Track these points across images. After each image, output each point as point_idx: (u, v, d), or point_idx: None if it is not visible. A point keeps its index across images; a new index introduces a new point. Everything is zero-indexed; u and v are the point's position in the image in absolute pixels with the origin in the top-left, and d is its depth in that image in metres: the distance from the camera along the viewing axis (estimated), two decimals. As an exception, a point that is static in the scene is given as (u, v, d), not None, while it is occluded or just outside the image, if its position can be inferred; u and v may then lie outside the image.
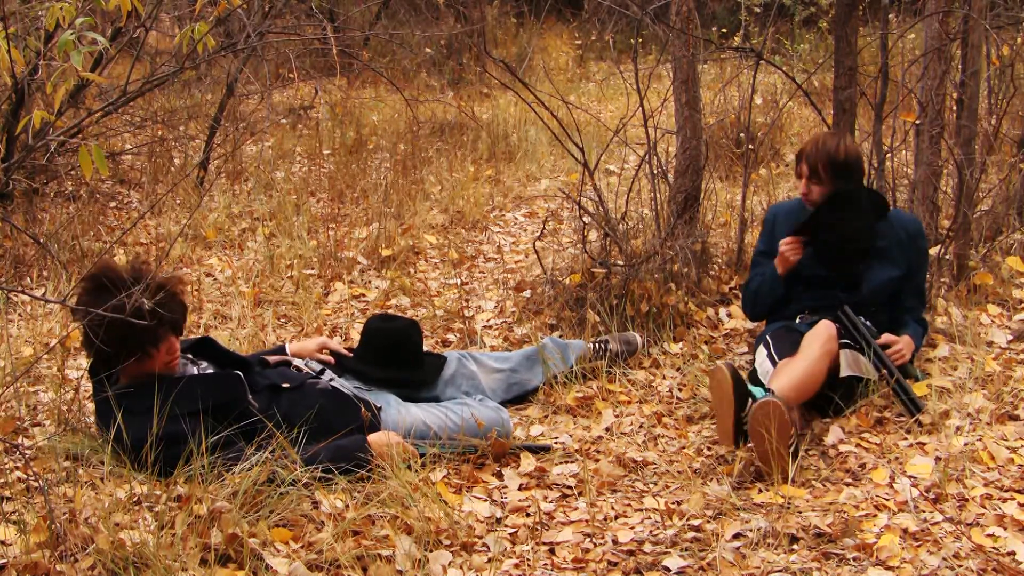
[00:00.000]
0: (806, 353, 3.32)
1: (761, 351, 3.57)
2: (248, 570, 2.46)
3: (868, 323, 3.53)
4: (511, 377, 3.63)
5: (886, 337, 3.53)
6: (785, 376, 3.24)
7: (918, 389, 3.48)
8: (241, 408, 2.96)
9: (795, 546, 2.64)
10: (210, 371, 3.15)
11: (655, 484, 3.05)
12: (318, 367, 3.37)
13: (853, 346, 3.43)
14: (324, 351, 3.49)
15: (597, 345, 3.81)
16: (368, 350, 3.49)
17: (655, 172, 4.48)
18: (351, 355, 3.50)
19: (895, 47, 6.11)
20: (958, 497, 2.85)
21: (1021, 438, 3.18)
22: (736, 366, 3.60)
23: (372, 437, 3.03)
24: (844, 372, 3.37)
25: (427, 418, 3.20)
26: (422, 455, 3.09)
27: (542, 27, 11.36)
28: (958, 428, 3.22)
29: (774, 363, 3.46)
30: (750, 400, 3.07)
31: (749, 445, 3.04)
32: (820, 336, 3.35)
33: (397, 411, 3.21)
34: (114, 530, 2.48)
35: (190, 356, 3.19)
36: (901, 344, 3.52)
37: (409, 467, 2.93)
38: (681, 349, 3.95)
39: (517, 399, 3.63)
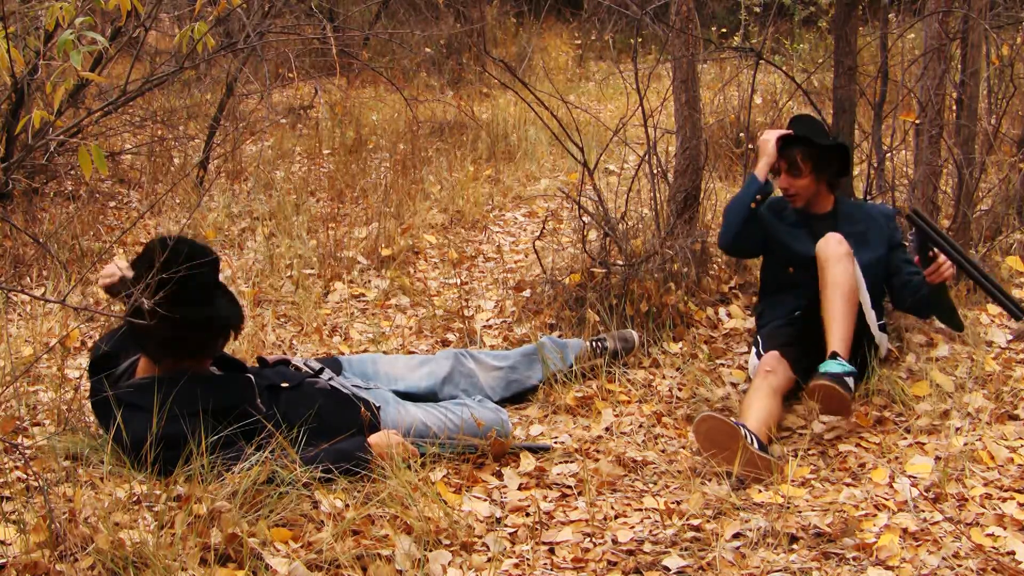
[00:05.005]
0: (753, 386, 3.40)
1: (753, 349, 3.69)
2: (248, 570, 2.46)
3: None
4: (510, 375, 3.63)
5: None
6: (752, 414, 3.26)
7: (919, 388, 3.48)
8: (245, 410, 2.96)
9: (795, 546, 2.64)
10: (218, 373, 3.15)
11: (655, 484, 3.05)
12: (317, 366, 3.37)
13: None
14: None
15: (595, 344, 3.81)
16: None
17: (655, 172, 4.48)
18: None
19: (895, 47, 6.11)
20: (958, 497, 2.85)
21: (1021, 438, 3.18)
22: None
23: (373, 438, 3.03)
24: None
25: (426, 418, 3.20)
26: (422, 455, 3.09)
27: (542, 27, 11.35)
28: (958, 428, 3.22)
29: (759, 357, 3.55)
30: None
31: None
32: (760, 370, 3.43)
33: (396, 410, 3.20)
34: (114, 530, 2.48)
35: None
36: (944, 260, 3.46)
37: (409, 467, 2.93)
38: (681, 349, 3.95)
39: (516, 397, 3.63)
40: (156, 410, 2.80)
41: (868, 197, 4.51)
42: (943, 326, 3.93)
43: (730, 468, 3.01)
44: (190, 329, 2.92)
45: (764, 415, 3.24)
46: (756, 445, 3.03)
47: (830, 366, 3.27)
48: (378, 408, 3.17)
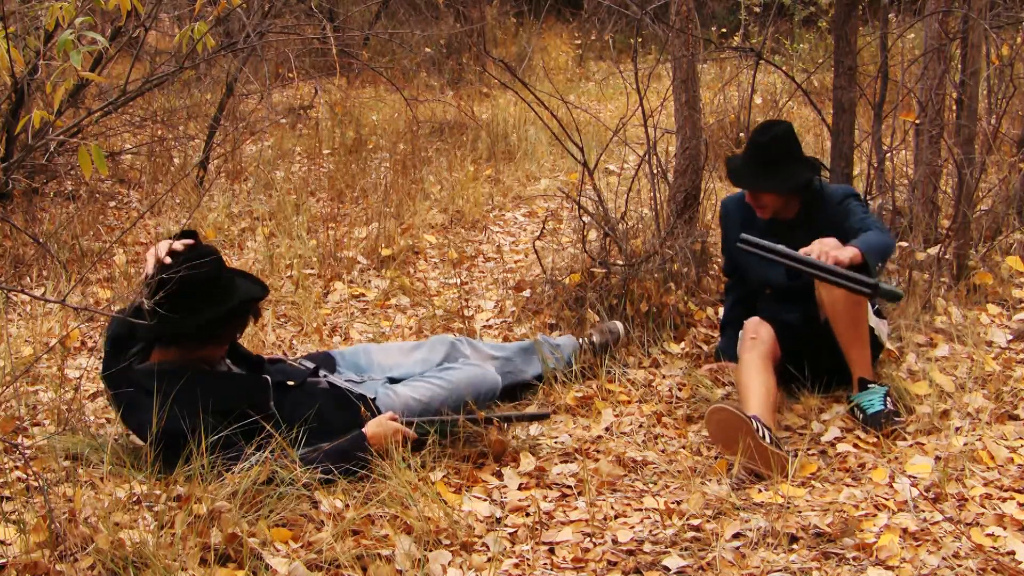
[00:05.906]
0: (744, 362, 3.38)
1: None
2: (248, 570, 2.46)
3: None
4: (506, 366, 3.62)
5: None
6: (753, 397, 3.24)
7: (919, 388, 3.48)
8: (261, 412, 2.96)
9: (795, 546, 2.64)
10: (237, 372, 3.14)
11: (655, 484, 3.05)
12: (310, 365, 3.35)
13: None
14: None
15: (583, 341, 3.81)
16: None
17: (655, 172, 4.48)
18: None
19: (895, 47, 6.11)
20: (958, 497, 2.85)
21: (1021, 438, 3.18)
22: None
23: (368, 430, 3.01)
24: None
25: (414, 393, 3.22)
26: (424, 434, 3.08)
27: (542, 27, 11.35)
28: (958, 428, 3.22)
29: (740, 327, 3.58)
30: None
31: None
32: (744, 344, 3.43)
33: (387, 395, 3.21)
34: (114, 530, 2.48)
35: None
36: (818, 245, 3.22)
37: (409, 467, 2.92)
38: (681, 349, 3.95)
39: (511, 393, 3.62)
40: (156, 403, 2.79)
41: (868, 197, 4.51)
42: (941, 328, 3.93)
43: (741, 461, 3.00)
44: (224, 320, 2.99)
45: (764, 394, 3.22)
46: (768, 439, 3.02)
47: (874, 403, 3.30)
48: (373, 399, 3.18)
